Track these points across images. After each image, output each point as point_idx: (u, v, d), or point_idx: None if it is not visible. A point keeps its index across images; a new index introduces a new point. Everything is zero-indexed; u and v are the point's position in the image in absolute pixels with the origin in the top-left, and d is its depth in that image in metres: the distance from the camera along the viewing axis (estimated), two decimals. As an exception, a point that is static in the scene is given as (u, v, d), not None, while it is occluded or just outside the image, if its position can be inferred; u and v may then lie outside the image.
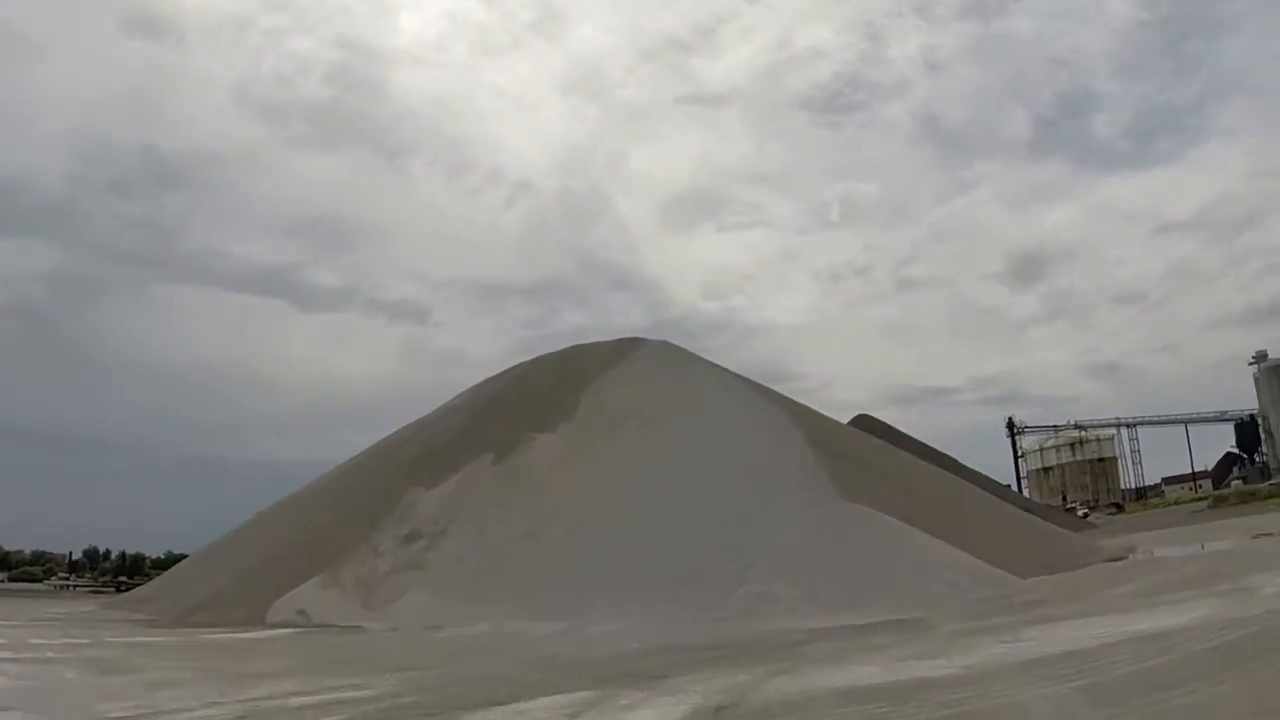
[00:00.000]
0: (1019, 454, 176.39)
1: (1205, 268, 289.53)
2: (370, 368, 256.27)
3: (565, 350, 58.10)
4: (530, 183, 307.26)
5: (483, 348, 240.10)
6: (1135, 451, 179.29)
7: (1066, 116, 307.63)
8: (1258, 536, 39.40)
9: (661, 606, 29.59)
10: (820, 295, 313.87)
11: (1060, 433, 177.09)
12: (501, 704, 13.93)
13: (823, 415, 53.95)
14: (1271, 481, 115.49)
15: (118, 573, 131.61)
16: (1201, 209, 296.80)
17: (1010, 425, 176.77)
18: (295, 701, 15.54)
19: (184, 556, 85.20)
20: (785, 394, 53.05)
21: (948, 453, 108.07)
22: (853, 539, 33.47)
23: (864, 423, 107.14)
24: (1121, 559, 39.77)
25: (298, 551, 43.44)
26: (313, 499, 53.65)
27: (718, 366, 53.44)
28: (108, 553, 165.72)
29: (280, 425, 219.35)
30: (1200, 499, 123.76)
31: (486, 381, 58.83)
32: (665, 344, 56.25)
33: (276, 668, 20.81)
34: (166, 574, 70.19)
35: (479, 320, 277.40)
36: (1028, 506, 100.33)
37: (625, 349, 55.27)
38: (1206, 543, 43.23)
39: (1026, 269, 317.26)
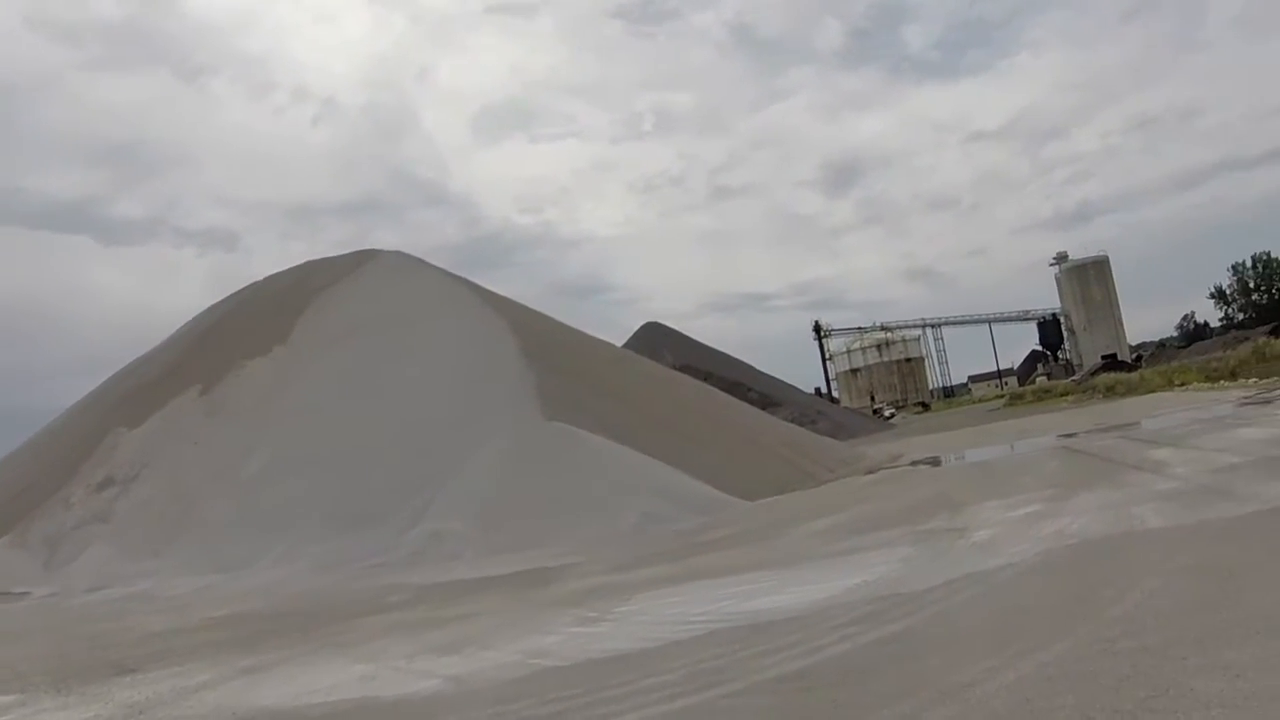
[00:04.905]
0: (827, 356, 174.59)
1: (1014, 175, 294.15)
2: (179, 301, 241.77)
3: (297, 267, 52.10)
4: (336, 99, 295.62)
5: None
6: (941, 351, 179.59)
7: (879, 27, 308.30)
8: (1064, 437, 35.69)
9: (337, 549, 27.37)
10: (636, 206, 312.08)
11: (866, 335, 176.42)
12: None
13: (561, 324, 49.21)
14: (1073, 378, 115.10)
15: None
16: (1010, 119, 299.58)
17: (817, 328, 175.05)
18: None
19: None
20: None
21: (760, 358, 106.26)
22: (547, 465, 29.35)
23: (651, 330, 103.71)
24: (876, 471, 36.01)
25: (-7, 509, 37.91)
26: (28, 449, 47.70)
27: (450, 276, 48.24)
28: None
29: (85, 368, 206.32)
30: (1001, 396, 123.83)
31: (213, 307, 52.86)
32: (399, 254, 50.89)
33: None
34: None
35: (290, 244, 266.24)
36: (819, 409, 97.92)
37: (358, 262, 49.86)
38: (976, 450, 39.36)
39: (841, 176, 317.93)
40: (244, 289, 51.74)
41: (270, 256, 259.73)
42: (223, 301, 51.48)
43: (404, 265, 49.17)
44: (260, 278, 52.13)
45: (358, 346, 39.24)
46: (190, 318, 51.40)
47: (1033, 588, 10.83)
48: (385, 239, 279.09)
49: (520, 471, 29.30)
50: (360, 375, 37.23)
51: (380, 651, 13.47)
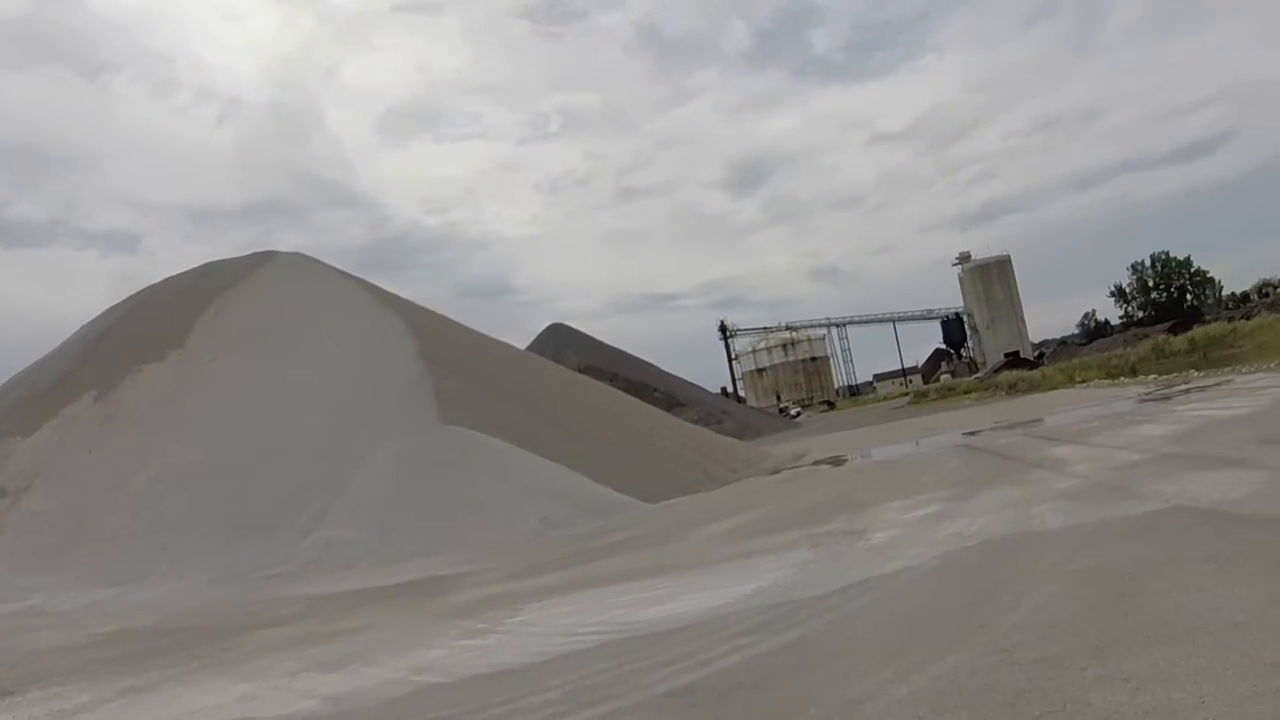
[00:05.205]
0: (733, 356, 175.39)
1: (919, 175, 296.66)
2: (80, 306, 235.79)
3: (195, 270, 51.05)
4: (241, 98, 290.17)
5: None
6: (846, 350, 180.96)
7: (785, 29, 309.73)
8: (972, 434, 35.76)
9: (232, 560, 26.44)
10: (542, 207, 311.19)
11: (772, 334, 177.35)
12: None
13: (462, 326, 48.77)
14: (976, 376, 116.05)
15: None
16: (915, 120, 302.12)
17: (722, 328, 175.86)
18: None
19: None
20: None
21: (666, 358, 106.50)
22: (444, 469, 28.77)
23: (556, 332, 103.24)
24: (780, 471, 35.87)
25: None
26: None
27: (349, 277, 47.56)
28: None
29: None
30: (906, 394, 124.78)
31: (109, 310, 51.67)
32: (298, 256, 50.01)
33: None
34: None
35: (193, 246, 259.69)
36: (724, 409, 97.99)
37: (256, 264, 49.02)
38: (879, 449, 39.37)
39: (747, 176, 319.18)
40: (141, 291, 50.42)
41: (173, 259, 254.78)
42: (119, 305, 50.13)
43: (303, 267, 48.30)
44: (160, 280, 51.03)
45: (255, 350, 38.49)
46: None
47: (930, 593, 10.47)
48: (290, 241, 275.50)
49: (416, 476, 28.73)
50: (257, 380, 36.52)
51: (264, 669, 13.08)
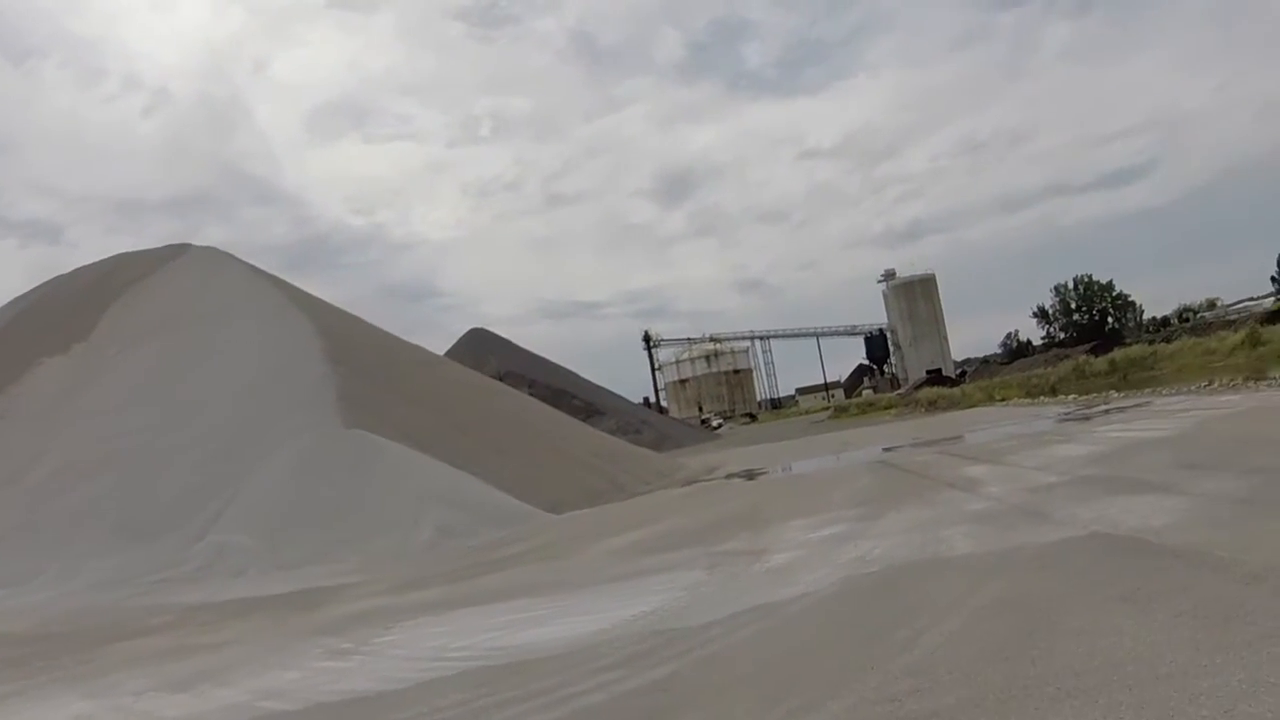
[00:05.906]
0: (656, 366, 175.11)
1: (846, 192, 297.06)
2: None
3: (106, 260, 50.22)
4: (168, 89, 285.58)
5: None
6: (769, 363, 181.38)
7: (719, 41, 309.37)
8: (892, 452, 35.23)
9: (122, 563, 25.93)
10: (469, 210, 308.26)
11: (695, 345, 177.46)
12: None
13: (374, 327, 47.93)
14: (898, 392, 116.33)
15: None
16: (845, 138, 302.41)
17: (646, 338, 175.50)
18: None
19: None
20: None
21: (590, 366, 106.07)
22: (343, 474, 28.08)
23: (476, 336, 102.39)
24: (692, 483, 35.34)
25: None
26: None
27: (261, 274, 46.65)
28: None
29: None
30: (827, 408, 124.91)
31: (16, 300, 50.56)
32: (210, 250, 49.20)
33: None
34: None
35: (116, 238, 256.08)
36: (644, 419, 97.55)
37: (167, 257, 48.05)
38: (795, 463, 39.19)
39: (675, 187, 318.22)
40: (49, 281, 49.71)
41: (95, 250, 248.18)
42: (26, 294, 49.31)
43: (215, 261, 47.49)
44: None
45: (158, 346, 37.69)
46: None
47: (822, 626, 9.57)
48: (215, 236, 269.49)
49: (313, 481, 28.05)
50: (159, 377, 35.73)
51: (113, 686, 12.34)
